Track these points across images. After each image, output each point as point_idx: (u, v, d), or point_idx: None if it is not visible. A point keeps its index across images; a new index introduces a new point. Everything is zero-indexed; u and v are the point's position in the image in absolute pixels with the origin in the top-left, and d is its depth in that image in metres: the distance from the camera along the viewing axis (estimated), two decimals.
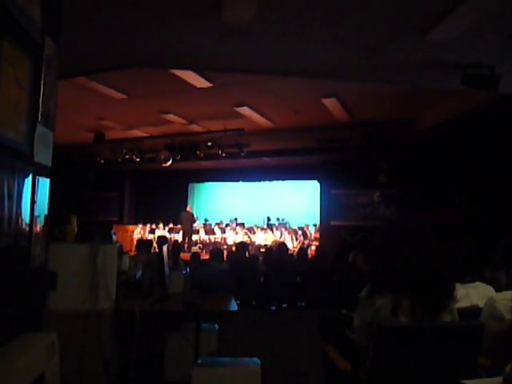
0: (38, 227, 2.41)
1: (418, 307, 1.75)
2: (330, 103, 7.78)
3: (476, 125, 7.35)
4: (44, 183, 2.48)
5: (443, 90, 6.26)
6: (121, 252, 2.98)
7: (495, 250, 2.35)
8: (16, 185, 2.11)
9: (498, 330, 1.91)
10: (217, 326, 3.75)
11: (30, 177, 2.29)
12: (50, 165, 2.56)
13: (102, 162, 11.77)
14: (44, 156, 2.47)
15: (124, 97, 7.50)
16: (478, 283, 2.63)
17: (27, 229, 2.27)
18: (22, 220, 2.20)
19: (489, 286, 2.59)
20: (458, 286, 2.52)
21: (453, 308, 1.86)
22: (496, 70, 4.46)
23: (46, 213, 2.51)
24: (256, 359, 2.81)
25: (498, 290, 2.37)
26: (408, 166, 9.79)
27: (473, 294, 2.54)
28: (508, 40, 3.93)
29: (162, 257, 3.02)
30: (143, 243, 8.68)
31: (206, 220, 13.27)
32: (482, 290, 2.54)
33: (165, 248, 3.16)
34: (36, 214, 2.36)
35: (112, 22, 3.92)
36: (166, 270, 3.09)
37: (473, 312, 2.27)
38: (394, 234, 1.92)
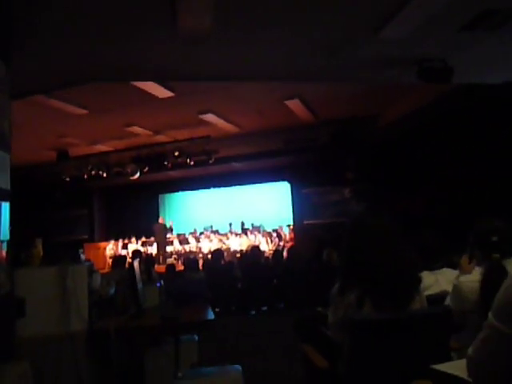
0: (1, 253, 2.33)
1: (387, 299, 1.79)
2: (294, 104, 7.86)
3: (438, 116, 7.57)
4: (4, 207, 2.41)
5: (402, 85, 6.43)
6: (91, 271, 2.91)
7: (464, 236, 2.42)
8: None
9: (464, 312, 1.99)
10: (196, 337, 3.72)
11: None
12: (8, 188, 2.49)
13: (68, 179, 11.50)
14: (1, 179, 2.39)
15: (85, 112, 7.35)
16: (445, 269, 2.72)
17: None
18: None
19: (456, 271, 2.68)
20: (427, 273, 2.60)
21: (421, 296, 1.92)
22: (449, 63, 4.61)
23: (8, 238, 2.43)
24: (237, 366, 2.80)
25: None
26: (375, 161, 10.00)
27: (441, 280, 2.62)
28: (459, 33, 4.08)
29: (134, 271, 2.96)
30: (118, 259, 8.53)
31: (173, 232, 13.13)
32: (449, 276, 2.62)
33: (136, 262, 3.11)
34: None
35: (66, 38, 3.84)
36: (139, 284, 3.04)
37: (442, 298, 2.34)
38: (359, 231, 1.96)
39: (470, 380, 1.16)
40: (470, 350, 1.11)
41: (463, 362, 1.25)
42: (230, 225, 12.98)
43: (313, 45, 4.31)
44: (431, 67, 4.66)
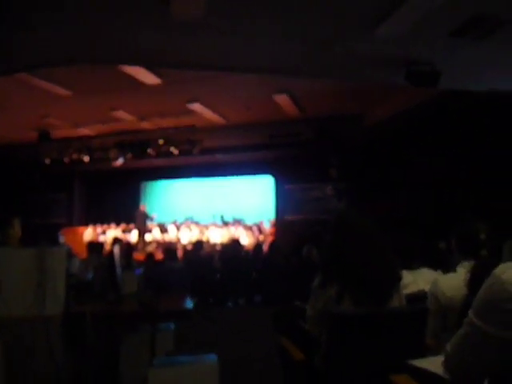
0: None
1: (367, 296, 1.82)
2: (282, 99, 7.86)
3: (424, 118, 7.66)
4: None
5: (390, 86, 6.49)
6: (69, 255, 2.87)
7: (444, 237, 2.46)
8: None
9: (440, 308, 2.03)
10: (173, 326, 3.70)
11: None
12: None
13: (48, 162, 11.25)
14: None
15: (69, 93, 7.21)
16: (423, 269, 2.76)
17: None
18: None
19: (433, 271, 2.73)
20: (405, 272, 2.64)
21: (400, 294, 1.95)
22: (437, 67, 4.67)
23: None
24: (213, 355, 2.80)
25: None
26: (358, 160, 10.07)
27: (419, 280, 2.66)
28: (449, 37, 4.13)
29: (113, 257, 2.93)
30: (95, 245, 8.41)
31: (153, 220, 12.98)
32: (427, 276, 2.67)
33: (116, 248, 3.08)
34: None
35: (55, 16, 3.75)
36: (118, 270, 3.01)
37: (419, 297, 2.38)
38: (342, 228, 1.98)
39: (445, 376, 1.19)
40: (447, 347, 1.13)
41: (439, 359, 1.27)
42: (214, 216, 12.86)
43: (305, 39, 4.30)
44: (419, 70, 4.71)
